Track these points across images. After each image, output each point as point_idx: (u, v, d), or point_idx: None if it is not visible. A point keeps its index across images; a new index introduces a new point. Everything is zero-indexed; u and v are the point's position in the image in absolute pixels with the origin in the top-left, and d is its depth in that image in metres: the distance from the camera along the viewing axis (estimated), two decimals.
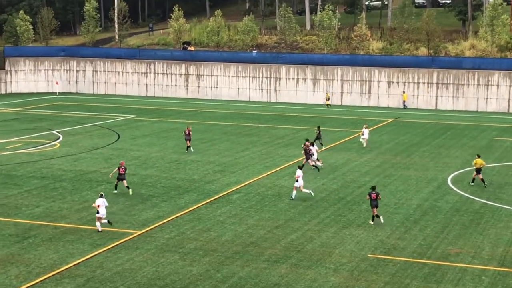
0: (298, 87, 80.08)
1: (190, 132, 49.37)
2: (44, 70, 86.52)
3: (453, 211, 35.38)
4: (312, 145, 44.48)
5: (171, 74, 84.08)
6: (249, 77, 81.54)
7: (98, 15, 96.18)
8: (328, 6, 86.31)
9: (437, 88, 76.09)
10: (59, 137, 54.83)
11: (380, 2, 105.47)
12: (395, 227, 32.43)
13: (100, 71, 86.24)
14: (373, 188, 32.84)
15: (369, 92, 78.01)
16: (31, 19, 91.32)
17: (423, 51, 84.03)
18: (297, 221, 33.19)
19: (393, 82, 77.31)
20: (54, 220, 32.73)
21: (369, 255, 28.75)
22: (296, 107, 76.03)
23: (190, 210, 34.81)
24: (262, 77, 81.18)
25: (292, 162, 46.45)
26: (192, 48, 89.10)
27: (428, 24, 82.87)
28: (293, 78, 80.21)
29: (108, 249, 28.81)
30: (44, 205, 35.33)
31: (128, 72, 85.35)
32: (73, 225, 32.01)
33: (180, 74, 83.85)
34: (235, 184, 40.42)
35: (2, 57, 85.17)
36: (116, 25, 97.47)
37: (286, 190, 39.07)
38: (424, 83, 76.45)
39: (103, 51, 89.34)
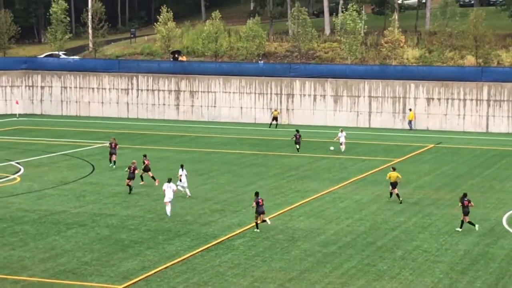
0: (316, 106, 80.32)
1: (117, 146, 56.10)
2: (1, 86, 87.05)
3: (509, 259, 35.29)
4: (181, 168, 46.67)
5: (158, 90, 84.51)
6: (255, 93, 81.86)
7: (68, 19, 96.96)
8: (352, 6, 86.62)
9: (488, 106, 76.25)
10: (20, 169, 55.01)
11: (416, 0, 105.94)
12: (438, 279, 32.36)
13: (70, 88, 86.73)
14: (465, 195, 39.26)
15: (404, 112, 78.18)
16: None
17: (470, 60, 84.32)
18: (315, 273, 33.14)
19: (433, 98, 77.52)
20: (13, 272, 32.72)
21: None
22: (313, 130, 76.14)
23: (183, 259, 34.79)
24: (271, 93, 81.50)
25: (309, 198, 46.49)
26: (184, 58, 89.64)
27: (476, 27, 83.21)
28: (309, 95, 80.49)
29: None
30: (1, 254, 35.34)
31: (105, 89, 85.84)
32: (37, 278, 32.01)
33: (170, 91, 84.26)
34: (238, 226, 40.42)
35: None
36: (90, 31, 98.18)
37: (301, 233, 39.08)
38: (472, 99, 76.62)
39: (75, 62, 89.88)
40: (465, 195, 39.44)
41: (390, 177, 45.81)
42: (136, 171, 48.49)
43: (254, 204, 39.29)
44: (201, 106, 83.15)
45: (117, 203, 45.30)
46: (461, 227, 39.29)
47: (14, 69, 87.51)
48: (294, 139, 62.93)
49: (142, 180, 50.14)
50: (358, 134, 73.52)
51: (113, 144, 55.51)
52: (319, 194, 47.83)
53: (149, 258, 34.86)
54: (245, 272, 33.02)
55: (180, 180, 46.56)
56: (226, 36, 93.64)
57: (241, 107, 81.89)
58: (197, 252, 35.80)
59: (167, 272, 32.99)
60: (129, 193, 47.60)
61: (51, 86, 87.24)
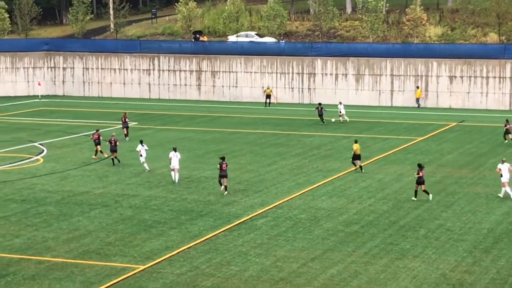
0: (337, 85, 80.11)
1: (127, 119, 59.19)
2: (24, 68, 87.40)
3: None
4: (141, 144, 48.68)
5: (180, 71, 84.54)
6: (276, 73, 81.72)
7: (89, 0, 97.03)
8: None
9: (511, 83, 75.79)
10: (43, 150, 55.30)
11: None
12: (461, 258, 32.26)
13: (92, 69, 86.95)
14: (420, 165, 41.04)
15: (426, 90, 77.83)
16: (6, 6, 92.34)
17: (492, 37, 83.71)
18: (338, 252, 33.14)
19: (455, 77, 77.07)
20: (37, 253, 32.98)
21: None
22: (335, 109, 75.93)
23: (205, 239, 34.90)
24: (293, 73, 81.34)
25: (331, 178, 46.45)
26: (205, 38, 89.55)
27: (498, 4, 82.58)
28: (331, 74, 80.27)
29: None
30: (25, 234, 35.62)
31: (126, 69, 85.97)
32: (61, 259, 32.23)
33: (191, 71, 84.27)
34: (261, 206, 40.48)
35: None
36: (111, 12, 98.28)
37: (324, 213, 39.07)
38: (494, 77, 76.12)
39: (96, 43, 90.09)
40: (419, 165, 41.10)
41: (355, 149, 47.66)
42: (118, 143, 50.39)
43: (218, 167, 42.52)
44: (223, 86, 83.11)
45: (140, 183, 45.46)
46: (415, 197, 41.16)
47: (36, 50, 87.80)
48: (317, 111, 65.84)
49: (96, 154, 52.27)
50: (380, 113, 73.31)
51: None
52: (341, 174, 47.76)
53: (172, 238, 34.99)
54: (268, 252, 33.07)
55: (141, 155, 48.31)
56: (247, 15, 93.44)
57: (263, 87, 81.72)
58: (219, 232, 35.88)
59: (190, 252, 33.10)
60: (113, 165, 49.72)
61: (73, 67, 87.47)
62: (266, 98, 78.30)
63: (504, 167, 41.54)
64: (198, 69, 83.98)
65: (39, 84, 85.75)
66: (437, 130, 63.81)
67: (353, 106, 77.41)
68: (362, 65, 79.26)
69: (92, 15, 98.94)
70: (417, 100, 77.03)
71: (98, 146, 52.12)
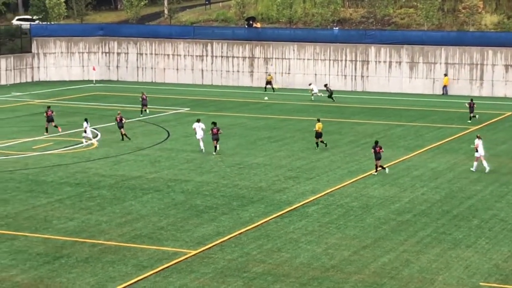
0: (391, 73, 79.58)
1: (146, 97, 64.61)
2: (79, 53, 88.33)
3: None
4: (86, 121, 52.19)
5: (233, 57, 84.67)
6: (329, 60, 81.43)
7: None
8: None
9: None
10: (97, 135, 55.87)
11: None
12: None
13: (146, 54, 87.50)
14: (376, 142, 44.08)
15: (481, 79, 76.94)
16: None
17: None
18: (390, 240, 33.01)
19: (511, 65, 76.03)
20: (91, 236, 33.39)
21: (481, 283, 28.39)
22: (388, 97, 75.54)
23: (257, 226, 35.00)
24: (346, 60, 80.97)
25: (384, 166, 46.18)
26: (259, 25, 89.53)
27: None
28: (385, 62, 79.75)
29: (157, 272, 29.22)
30: (79, 217, 36.07)
31: (179, 55, 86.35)
32: (114, 242, 32.59)
33: (244, 57, 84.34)
34: (312, 193, 40.46)
35: (28, 37, 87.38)
36: None
37: (376, 201, 38.92)
38: None
39: (150, 29, 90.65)
40: (376, 142, 44.14)
41: (317, 128, 50.62)
42: (124, 120, 53.59)
43: (210, 131, 48.65)
44: (275, 73, 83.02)
45: (192, 169, 45.70)
46: (376, 171, 44.05)
47: (91, 35, 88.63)
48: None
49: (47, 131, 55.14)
50: (434, 102, 72.68)
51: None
52: (394, 162, 47.50)
53: (223, 224, 35.15)
54: (319, 239, 33.07)
55: (85, 132, 51.67)
56: (301, 2, 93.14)
57: (315, 74, 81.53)
58: (271, 219, 35.96)
59: (241, 238, 33.23)
60: (122, 139, 52.92)
61: (127, 53, 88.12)
62: (267, 84, 78.93)
63: (480, 143, 44.54)
64: (251, 56, 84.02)
65: (93, 69, 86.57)
66: (492, 119, 63.06)
67: (406, 94, 76.93)
68: (416, 53, 78.60)
69: (147, 1, 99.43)
70: (444, 87, 76.42)
71: (52, 123, 55.25)
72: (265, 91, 78.24)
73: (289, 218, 36.16)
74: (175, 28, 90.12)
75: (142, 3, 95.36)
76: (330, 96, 72.14)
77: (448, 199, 39.43)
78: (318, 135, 50.80)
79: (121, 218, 35.93)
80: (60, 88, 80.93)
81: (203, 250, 31.57)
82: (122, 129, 53.50)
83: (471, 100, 62.74)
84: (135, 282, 28.31)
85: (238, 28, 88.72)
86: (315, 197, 39.70)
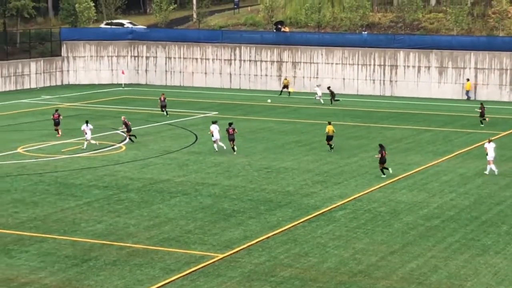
0: (420, 78, 79.24)
1: (165, 99, 66.04)
2: (108, 56, 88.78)
3: None
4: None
5: (261, 61, 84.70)
6: (358, 64, 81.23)
7: None
8: None
9: None
10: (125, 138, 56.08)
11: None
12: None
13: (174, 58, 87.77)
14: (382, 146, 44.47)
15: (511, 84, 76.41)
16: None
17: None
18: (418, 246, 32.84)
19: None
20: (119, 239, 33.50)
21: None
22: (417, 102, 75.21)
23: (284, 230, 34.95)
24: (374, 64, 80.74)
25: (412, 171, 46.01)
26: (287, 29, 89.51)
27: None
28: (414, 66, 79.42)
29: (184, 275, 29.26)
30: (107, 220, 36.22)
31: (208, 59, 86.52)
32: (142, 245, 32.68)
33: (272, 61, 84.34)
34: (340, 198, 40.35)
35: (58, 41, 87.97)
36: (194, 2, 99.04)
37: (404, 206, 38.74)
38: None
39: (178, 33, 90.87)
40: (382, 146, 44.53)
41: (328, 130, 50.89)
42: (129, 123, 54.40)
43: (226, 132, 49.88)
44: (303, 77, 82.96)
45: (220, 172, 45.74)
46: (384, 174, 44.39)
47: (120, 39, 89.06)
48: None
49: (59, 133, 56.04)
50: (463, 107, 72.24)
51: (162, 98, 64.29)
52: (422, 167, 47.27)
53: (251, 228, 35.14)
54: (347, 244, 32.97)
55: (86, 133, 51.75)
56: (330, 6, 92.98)
57: (344, 78, 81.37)
58: (298, 223, 35.91)
59: (268, 242, 33.20)
60: (132, 142, 53.80)
61: (156, 57, 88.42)
62: (283, 87, 79.23)
63: (490, 146, 45.11)
64: (279, 60, 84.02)
65: (122, 72, 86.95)
66: None
67: (435, 99, 76.55)
68: (445, 58, 78.21)
69: (176, 5, 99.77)
70: (467, 92, 76.07)
71: (57, 126, 55.97)
72: (280, 94, 78.41)
73: (317, 222, 36.08)
74: (203, 32, 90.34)
75: (171, 7, 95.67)
76: (332, 99, 72.37)
77: (477, 205, 39.17)
78: (329, 137, 51.14)
79: (149, 221, 36.03)
80: (89, 92, 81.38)
81: (230, 254, 31.57)
82: (129, 132, 54.08)
83: (481, 104, 63.16)
84: (162, 285, 28.37)
85: (266, 32, 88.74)
86: (343, 201, 39.59)
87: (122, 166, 47.43)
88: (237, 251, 31.93)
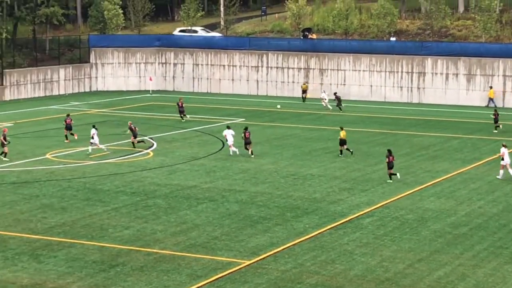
0: (448, 85, 78.90)
1: (183, 104, 66.74)
2: (136, 63, 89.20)
3: None
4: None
5: (288, 68, 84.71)
6: (385, 71, 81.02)
7: None
8: None
9: None
10: (153, 144, 56.29)
11: None
12: None
13: (201, 65, 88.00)
14: (390, 151, 44.96)
15: None
16: (121, 2, 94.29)
17: None
18: (446, 254, 32.67)
19: None
20: (146, 245, 33.61)
21: None
22: (444, 109, 74.86)
23: (311, 237, 34.91)
24: (402, 71, 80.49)
25: (440, 179, 45.79)
26: (314, 36, 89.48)
27: None
28: (441, 73, 79.09)
29: (210, 282, 29.29)
30: (135, 226, 36.34)
31: (235, 66, 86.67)
32: (169, 251, 32.76)
33: (299, 68, 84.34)
34: (367, 205, 40.23)
35: (87, 47, 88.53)
36: (221, 9, 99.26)
37: (431, 214, 38.55)
38: None
39: (206, 40, 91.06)
40: (389, 151, 45.04)
41: (341, 136, 51.83)
42: (136, 129, 54.89)
43: (243, 135, 51.24)
44: (330, 84, 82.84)
45: (246, 179, 45.77)
46: (391, 179, 44.92)
47: (148, 46, 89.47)
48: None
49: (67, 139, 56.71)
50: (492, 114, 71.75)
51: (180, 103, 64.99)
52: (450, 175, 47.04)
53: (277, 234, 35.13)
54: (374, 251, 32.86)
55: (93, 138, 52.14)
56: (357, 13, 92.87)
57: (371, 85, 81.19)
58: (325, 230, 35.84)
59: (295, 249, 33.17)
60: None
61: (183, 63, 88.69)
62: (303, 93, 79.23)
63: (506, 151, 45.31)
64: (306, 67, 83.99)
65: (150, 79, 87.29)
66: None
67: (463, 107, 76.16)
68: (473, 65, 77.81)
69: (203, 12, 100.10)
70: (490, 100, 75.70)
71: (70, 130, 56.76)
72: (303, 100, 78.33)
73: (344, 229, 36.00)
74: (231, 39, 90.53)
75: (199, 14, 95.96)
76: (338, 105, 72.60)
77: (505, 213, 38.90)
78: (342, 142, 51.85)
79: (176, 227, 36.13)
80: (117, 98, 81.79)
81: (257, 261, 31.57)
82: (135, 138, 54.51)
83: (495, 110, 63.67)
84: None
85: (293, 39, 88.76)
86: (370, 209, 39.48)
87: (150, 172, 47.60)
88: (263, 258, 31.92)
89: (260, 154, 52.38)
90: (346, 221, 37.37)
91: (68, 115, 58.37)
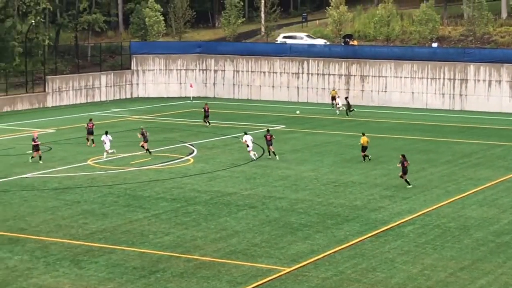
0: (491, 92, 78.21)
1: (209, 109, 67.28)
2: (177, 70, 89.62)
3: None
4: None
5: (329, 74, 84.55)
6: (427, 78, 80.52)
7: (242, 3, 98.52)
8: None
9: None
10: (193, 151, 56.47)
11: None
12: None
13: (242, 71, 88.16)
14: (404, 156, 45.02)
15: None
16: (162, 9, 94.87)
17: None
18: (489, 262, 32.34)
19: None
20: (186, 251, 33.69)
21: None
22: (487, 116, 74.19)
23: (351, 244, 34.75)
24: (444, 78, 79.94)
25: (482, 187, 45.37)
26: (355, 43, 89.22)
27: None
28: (484, 80, 78.42)
29: None
30: (175, 232, 36.46)
31: (276, 73, 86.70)
32: (209, 258, 32.81)
33: (340, 75, 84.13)
34: (408, 213, 39.97)
35: (128, 54, 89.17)
36: (262, 15, 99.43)
37: (473, 222, 38.20)
38: None
39: (246, 46, 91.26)
40: (404, 156, 45.02)
41: (362, 142, 51.86)
42: (147, 134, 54.55)
43: (264, 138, 52.88)
44: (372, 90, 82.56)
45: (287, 186, 45.72)
46: (409, 184, 45.10)
47: (189, 53, 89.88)
48: None
49: (91, 141, 57.52)
50: None
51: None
52: (493, 182, 46.57)
53: (318, 242, 35.03)
54: (415, 260, 32.63)
55: (105, 143, 52.97)
56: (399, 20, 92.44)
57: (413, 92, 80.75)
58: (366, 238, 35.67)
59: (335, 256, 33.04)
60: (150, 153, 53.94)
61: (224, 70, 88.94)
62: (332, 99, 78.73)
63: None
64: (347, 73, 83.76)
65: (191, 86, 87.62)
66: None
67: (506, 114, 75.41)
68: None
69: (244, 19, 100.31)
70: None
71: (92, 135, 57.47)
72: (333, 107, 77.82)
73: (385, 237, 35.80)
74: (271, 45, 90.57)
75: (239, 21, 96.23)
76: (348, 110, 73.35)
77: None
78: (364, 148, 52.00)
79: (216, 234, 36.17)
80: (158, 105, 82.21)
81: (297, 268, 31.50)
82: (146, 144, 54.53)
83: None
84: None
85: (334, 46, 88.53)
86: (411, 216, 39.22)
87: (190, 178, 47.74)
88: (304, 265, 31.84)
89: (301, 161, 52.30)
90: (387, 228, 37.16)
91: (90, 120, 59.07)
